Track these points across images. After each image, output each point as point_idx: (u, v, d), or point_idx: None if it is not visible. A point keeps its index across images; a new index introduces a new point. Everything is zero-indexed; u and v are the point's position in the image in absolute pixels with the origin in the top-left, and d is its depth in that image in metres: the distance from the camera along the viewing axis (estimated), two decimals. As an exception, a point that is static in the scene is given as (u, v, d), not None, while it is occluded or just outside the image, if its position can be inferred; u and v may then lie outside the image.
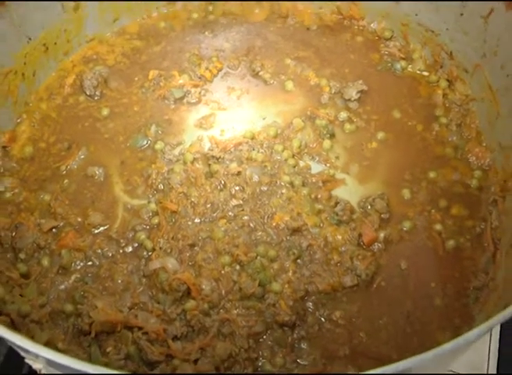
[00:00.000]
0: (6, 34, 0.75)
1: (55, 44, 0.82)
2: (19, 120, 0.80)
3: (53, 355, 0.44)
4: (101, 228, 0.74)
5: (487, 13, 0.74)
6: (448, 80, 0.83)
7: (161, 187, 0.77)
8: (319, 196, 0.76)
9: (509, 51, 0.73)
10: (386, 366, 0.44)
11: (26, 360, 0.53)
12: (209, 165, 0.78)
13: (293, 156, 0.79)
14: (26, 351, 0.46)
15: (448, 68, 0.83)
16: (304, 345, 0.68)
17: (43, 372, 0.56)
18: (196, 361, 0.65)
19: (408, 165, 0.79)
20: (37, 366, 0.53)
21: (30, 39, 0.79)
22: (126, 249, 0.73)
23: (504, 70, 0.74)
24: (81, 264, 0.72)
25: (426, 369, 0.55)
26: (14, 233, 0.73)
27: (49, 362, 0.48)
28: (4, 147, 0.78)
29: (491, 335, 0.79)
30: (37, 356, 0.49)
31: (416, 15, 0.82)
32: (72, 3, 0.81)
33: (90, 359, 0.64)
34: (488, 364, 0.77)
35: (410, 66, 0.85)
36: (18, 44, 0.78)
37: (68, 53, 0.84)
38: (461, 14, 0.77)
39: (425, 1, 0.79)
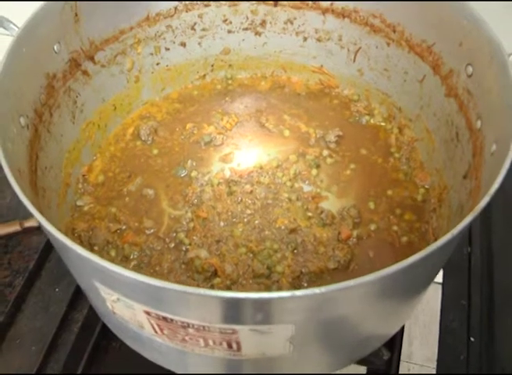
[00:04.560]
0: (89, 97, 0.86)
1: (121, 105, 0.93)
2: (94, 158, 0.90)
3: (132, 274, 0.49)
4: (152, 230, 0.83)
5: (421, 78, 0.84)
6: (399, 128, 0.93)
7: (195, 201, 0.85)
8: (309, 207, 0.85)
9: (437, 103, 0.82)
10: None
11: (103, 294, 0.60)
12: (230, 187, 0.87)
13: (290, 180, 0.88)
14: (111, 273, 0.51)
15: (398, 119, 0.93)
16: (299, 310, 0.79)
17: (115, 307, 0.61)
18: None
19: (372, 186, 0.87)
20: (113, 297, 0.59)
21: (104, 100, 0.90)
22: (170, 245, 0.81)
23: (436, 116, 0.83)
24: (137, 254, 0.80)
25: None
26: (90, 233, 0.82)
27: (129, 287, 0.55)
28: (84, 175, 0.88)
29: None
30: (114, 288, 0.57)
31: (375, 83, 0.93)
32: (134, 77, 0.92)
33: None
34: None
35: (372, 119, 0.95)
36: (96, 104, 0.88)
37: (129, 112, 0.95)
38: (404, 80, 0.88)
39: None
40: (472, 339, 0.79)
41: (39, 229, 0.87)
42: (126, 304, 0.60)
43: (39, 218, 0.54)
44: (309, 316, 0.56)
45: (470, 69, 0.74)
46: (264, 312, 0.54)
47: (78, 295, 0.83)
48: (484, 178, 0.68)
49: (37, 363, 0.77)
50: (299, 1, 0.88)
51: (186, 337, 0.61)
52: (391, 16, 0.84)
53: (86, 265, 0.56)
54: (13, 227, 0.87)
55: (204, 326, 0.57)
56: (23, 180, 0.65)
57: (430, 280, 0.71)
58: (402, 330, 0.81)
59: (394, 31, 0.84)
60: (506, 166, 0.57)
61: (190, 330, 0.59)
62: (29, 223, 0.87)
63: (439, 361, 0.79)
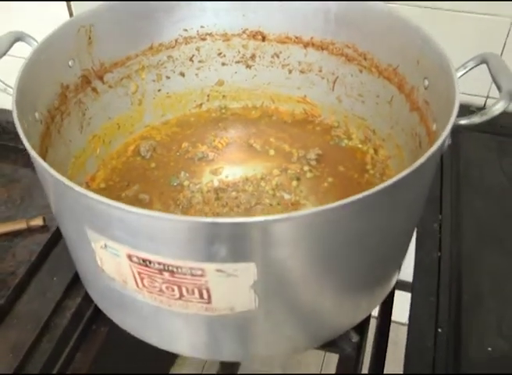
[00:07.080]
0: (97, 112, 0.99)
1: (125, 125, 1.06)
2: (97, 169, 1.03)
3: (111, 201, 0.59)
4: (145, 228, 0.97)
5: (390, 99, 0.96)
6: (374, 149, 1.04)
7: (185, 204, 0.96)
8: (288, 211, 0.95)
9: (404, 119, 0.93)
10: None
11: (93, 245, 0.68)
12: (217, 193, 0.98)
13: (272, 189, 0.99)
14: (96, 205, 0.61)
15: (373, 141, 1.04)
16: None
17: (103, 260, 0.70)
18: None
19: (347, 196, 0.86)
20: (101, 243, 0.68)
21: (110, 118, 1.03)
22: (160, 240, 0.95)
23: (403, 132, 0.94)
24: (130, 247, 0.94)
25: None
26: (89, 228, 0.96)
27: (112, 223, 0.63)
28: (87, 182, 1.00)
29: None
30: (101, 231, 0.66)
31: (352, 109, 1.06)
32: (137, 100, 1.06)
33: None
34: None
35: (350, 142, 1.07)
36: (102, 120, 1.01)
37: (131, 133, 1.08)
38: (377, 103, 1.00)
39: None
40: (439, 330, 0.85)
41: (44, 227, 0.99)
42: (112, 251, 0.69)
43: (33, 154, 0.65)
44: (268, 254, 0.65)
45: (426, 82, 0.87)
46: (226, 245, 0.62)
47: (73, 285, 0.92)
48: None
49: (31, 340, 0.85)
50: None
51: (163, 287, 0.70)
52: (362, 45, 0.98)
53: (76, 204, 0.66)
54: (20, 225, 0.98)
55: (176, 267, 0.66)
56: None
57: (398, 251, 0.79)
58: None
59: (365, 59, 0.99)
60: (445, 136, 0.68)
61: (166, 275, 0.68)
62: (34, 222, 0.98)
63: (407, 352, 0.85)
